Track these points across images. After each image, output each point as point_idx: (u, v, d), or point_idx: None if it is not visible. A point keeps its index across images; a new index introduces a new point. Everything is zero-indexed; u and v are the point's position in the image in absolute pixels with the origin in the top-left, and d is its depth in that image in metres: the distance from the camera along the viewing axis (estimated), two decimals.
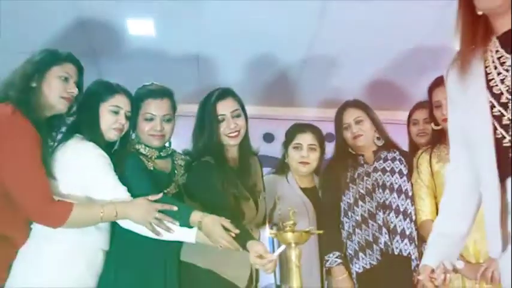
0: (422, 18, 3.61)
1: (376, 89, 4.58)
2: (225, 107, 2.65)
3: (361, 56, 4.14)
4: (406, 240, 2.85)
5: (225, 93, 2.71)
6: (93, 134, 2.46)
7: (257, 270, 2.57)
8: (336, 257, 2.89)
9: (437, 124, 2.93)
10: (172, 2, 3.49)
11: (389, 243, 2.87)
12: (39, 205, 2.23)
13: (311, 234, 2.22)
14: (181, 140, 2.85)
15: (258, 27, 3.78)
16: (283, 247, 2.17)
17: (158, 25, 3.79)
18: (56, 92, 2.43)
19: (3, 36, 3.75)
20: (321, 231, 2.56)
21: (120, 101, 2.53)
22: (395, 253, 2.83)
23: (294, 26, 3.80)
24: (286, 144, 3.22)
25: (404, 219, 2.90)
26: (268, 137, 4.93)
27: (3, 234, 2.21)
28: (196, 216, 2.30)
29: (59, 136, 2.55)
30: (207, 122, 2.65)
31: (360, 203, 2.97)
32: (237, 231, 2.25)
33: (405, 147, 3.32)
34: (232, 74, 4.34)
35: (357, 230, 2.94)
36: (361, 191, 2.99)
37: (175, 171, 2.71)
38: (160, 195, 2.38)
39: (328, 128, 3.32)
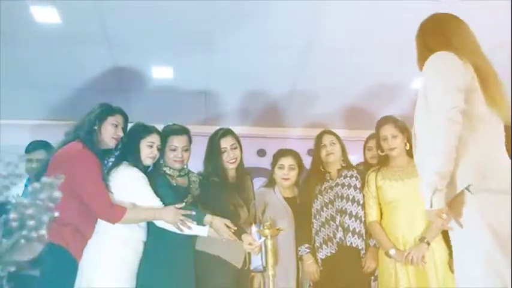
0: (380, 61, 4.32)
1: (347, 113, 5.30)
2: (226, 142, 3.41)
3: (336, 89, 4.87)
4: (356, 236, 3.49)
5: (226, 132, 3.47)
6: (135, 161, 3.18)
7: (249, 255, 3.26)
8: (306, 248, 3.55)
9: (382, 151, 3.50)
10: (186, 54, 4.26)
11: (343, 238, 3.48)
12: (104, 207, 2.91)
13: (280, 231, 3.02)
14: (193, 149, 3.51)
15: (253, 70, 4.55)
16: (263, 239, 2.99)
17: (176, 70, 4.53)
18: (109, 134, 3.17)
19: (53, 73, 4.49)
20: (285, 229, 3.20)
21: (154, 138, 3.24)
22: (348, 245, 3.47)
23: (282, 67, 4.54)
24: (273, 165, 3.87)
25: (356, 221, 3.52)
26: (261, 152, 5.47)
27: (78, 228, 2.89)
28: (208, 218, 3.07)
29: (109, 163, 3.23)
30: (213, 153, 3.40)
31: (325, 209, 3.61)
32: (235, 228, 3.03)
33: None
34: (233, 102, 5.09)
35: (322, 229, 3.57)
36: (326, 200, 3.63)
37: (191, 186, 3.42)
38: (183, 204, 3.10)
39: (309, 145, 4.01)
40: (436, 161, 2.16)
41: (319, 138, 3.79)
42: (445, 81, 2.23)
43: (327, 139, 3.77)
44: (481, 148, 2.25)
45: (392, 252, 3.29)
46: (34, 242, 1.17)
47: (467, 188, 2.20)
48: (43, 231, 1.19)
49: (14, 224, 1.16)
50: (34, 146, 4.22)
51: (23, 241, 1.16)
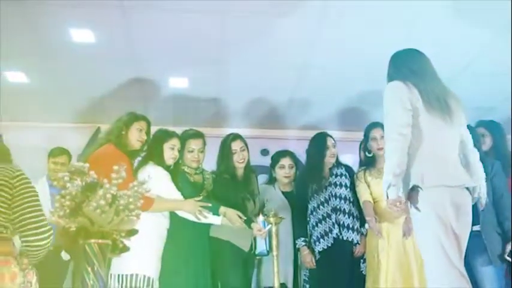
0: (369, 69, 4.32)
1: (342, 115, 5.64)
2: (236, 145, 3.78)
3: (330, 95, 5.19)
4: (350, 231, 3.78)
5: (236, 137, 3.84)
6: (160, 161, 3.55)
7: (255, 240, 3.62)
8: (302, 241, 3.87)
9: (370, 153, 3.81)
10: (199, 67, 4.62)
11: (339, 234, 3.76)
12: None
13: (282, 219, 3.49)
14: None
15: (257, 80, 4.88)
16: (269, 226, 3.46)
17: (191, 81, 4.89)
18: (135, 137, 3.55)
19: (84, 84, 4.90)
20: (284, 217, 3.59)
21: (175, 142, 3.62)
22: (344, 239, 3.76)
23: (282, 78, 4.85)
24: (273, 165, 4.25)
25: (349, 218, 3.82)
26: (264, 152, 5.70)
27: None
28: (222, 209, 3.44)
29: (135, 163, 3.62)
30: (225, 154, 3.77)
31: (321, 207, 3.88)
32: (245, 218, 3.46)
33: None
34: (240, 108, 5.43)
35: (319, 224, 3.84)
36: (322, 199, 3.89)
37: (205, 182, 3.78)
38: (200, 197, 3.49)
39: (306, 145, 4.16)
40: (390, 163, 2.57)
41: (321, 140, 4.03)
42: (394, 103, 2.65)
43: (329, 141, 4.03)
44: (424, 153, 2.62)
45: (370, 224, 3.65)
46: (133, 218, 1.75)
47: (418, 185, 2.57)
48: (139, 211, 1.78)
49: (121, 208, 1.75)
50: (60, 151, 4.63)
51: (126, 218, 1.74)
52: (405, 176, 2.61)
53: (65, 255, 3.00)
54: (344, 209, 3.87)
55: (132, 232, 2.00)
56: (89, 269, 1.87)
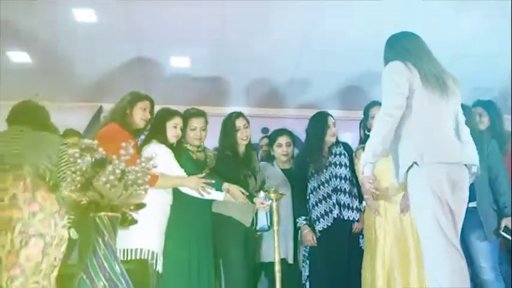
0: (368, 50, 4.31)
1: (341, 95, 5.71)
2: (240, 122, 3.82)
3: (329, 74, 5.25)
4: (350, 211, 3.83)
5: (239, 114, 3.88)
6: (163, 139, 3.59)
7: (256, 216, 3.64)
8: (303, 220, 3.89)
9: (369, 131, 3.70)
10: (200, 46, 4.65)
11: (339, 213, 3.81)
12: None
13: (283, 195, 3.54)
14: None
15: (258, 60, 4.93)
16: (270, 201, 3.51)
17: (193, 61, 4.92)
18: (139, 116, 3.59)
19: (87, 63, 4.93)
20: (285, 194, 3.61)
21: (177, 120, 3.65)
22: (345, 219, 3.82)
23: (283, 57, 4.91)
24: (271, 143, 4.28)
25: (349, 197, 3.86)
26: (265, 130, 5.71)
27: None
28: (225, 185, 3.50)
29: (139, 141, 3.64)
30: (230, 131, 3.80)
31: (321, 187, 3.90)
32: (248, 193, 3.51)
33: None
34: (241, 87, 5.49)
35: (319, 204, 3.87)
36: (322, 179, 3.92)
37: (207, 160, 3.84)
38: (203, 174, 3.52)
39: (306, 123, 4.17)
40: (372, 142, 2.67)
41: (322, 119, 4.04)
42: (389, 85, 2.71)
43: (330, 120, 4.04)
44: (423, 130, 2.66)
45: (368, 201, 3.71)
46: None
47: (415, 163, 2.61)
48: (146, 186, 1.87)
49: (130, 182, 1.83)
50: (72, 133, 4.59)
51: (134, 192, 1.83)
52: (399, 155, 2.70)
53: (73, 234, 3.07)
54: (344, 188, 3.91)
55: (140, 206, 2.08)
56: (100, 240, 1.95)
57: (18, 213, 2.51)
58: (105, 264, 1.94)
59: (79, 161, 1.96)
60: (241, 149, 3.89)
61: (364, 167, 2.70)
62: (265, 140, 4.71)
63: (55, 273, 2.64)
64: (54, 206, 2.56)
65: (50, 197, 2.61)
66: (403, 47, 2.86)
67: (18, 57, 4.83)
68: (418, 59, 2.78)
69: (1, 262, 2.42)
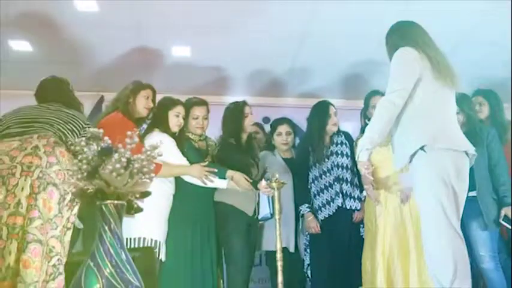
0: (369, 38, 4.33)
1: (342, 84, 5.68)
2: (247, 109, 3.86)
3: (330, 63, 5.22)
4: (353, 200, 3.87)
5: (245, 102, 3.91)
6: (165, 128, 3.59)
7: (258, 204, 3.66)
8: (306, 208, 3.92)
9: (370, 120, 3.27)
10: (201, 35, 4.63)
11: (343, 203, 3.83)
12: None
13: (284, 184, 3.46)
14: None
15: (259, 49, 4.90)
16: (272, 190, 3.48)
17: (193, 50, 4.92)
18: (142, 105, 3.62)
19: (89, 52, 4.91)
20: (286, 183, 3.53)
21: (179, 109, 3.66)
22: (347, 208, 3.85)
23: (284, 46, 4.87)
24: (271, 133, 4.31)
25: (351, 187, 3.89)
26: (266, 119, 5.71)
27: None
28: (230, 172, 3.51)
29: (142, 130, 3.63)
30: (238, 117, 3.81)
31: (323, 176, 3.93)
32: (251, 181, 3.53)
33: None
34: (242, 76, 5.49)
35: (320, 193, 3.91)
36: (324, 169, 3.94)
37: (209, 148, 3.87)
38: (207, 163, 3.55)
39: (306, 112, 4.18)
40: (371, 129, 2.68)
41: (323, 109, 4.04)
42: (400, 69, 2.72)
43: (331, 110, 4.05)
44: (432, 117, 2.68)
45: (368, 191, 3.71)
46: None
47: (422, 148, 2.63)
48: (152, 174, 1.90)
49: (135, 171, 1.86)
50: None
51: (140, 180, 1.86)
52: (402, 141, 2.71)
53: (78, 224, 3.11)
54: (346, 178, 3.93)
55: (146, 194, 2.11)
56: (106, 227, 1.98)
57: (38, 160, 2.77)
58: (112, 251, 1.96)
59: (85, 149, 1.99)
60: (244, 136, 3.89)
61: (360, 152, 2.71)
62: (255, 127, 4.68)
63: (67, 237, 2.82)
64: (69, 163, 2.82)
65: (68, 155, 2.90)
66: (411, 34, 2.87)
67: (20, 46, 4.82)
68: (427, 47, 2.80)
69: (21, 204, 2.64)
